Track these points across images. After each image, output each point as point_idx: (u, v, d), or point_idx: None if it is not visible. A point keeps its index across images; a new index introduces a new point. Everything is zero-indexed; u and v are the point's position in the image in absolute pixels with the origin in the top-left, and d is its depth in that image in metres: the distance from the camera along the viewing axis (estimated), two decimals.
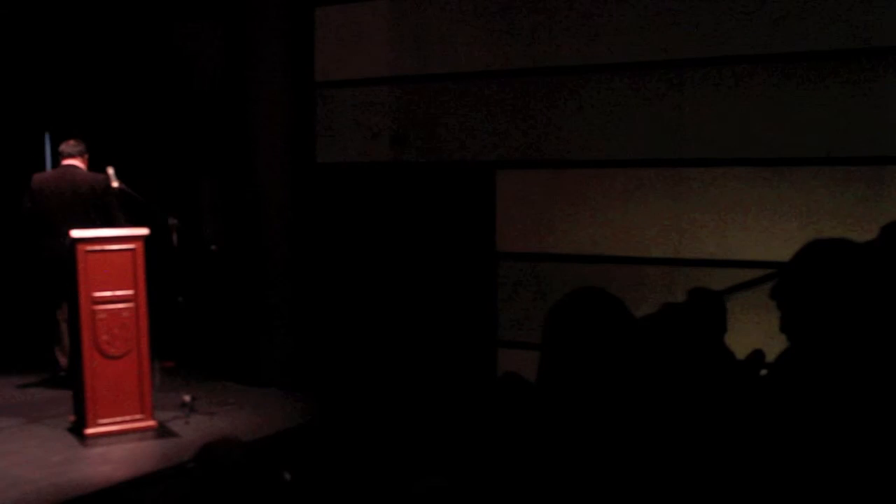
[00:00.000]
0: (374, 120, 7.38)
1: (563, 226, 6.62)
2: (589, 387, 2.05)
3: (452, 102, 7.05)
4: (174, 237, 6.72)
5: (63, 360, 7.26)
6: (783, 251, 3.79)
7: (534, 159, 6.74)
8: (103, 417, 6.06)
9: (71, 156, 7.35)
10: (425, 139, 7.17)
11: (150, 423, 6.20)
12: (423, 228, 7.19)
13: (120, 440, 6.04)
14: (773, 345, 2.72)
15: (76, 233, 6.07)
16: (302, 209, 7.72)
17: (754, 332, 4.24)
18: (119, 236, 6.20)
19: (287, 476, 4.87)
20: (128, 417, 6.12)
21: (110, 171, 6.77)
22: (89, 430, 6.03)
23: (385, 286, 7.34)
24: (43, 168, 7.81)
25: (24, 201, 7.29)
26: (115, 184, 6.73)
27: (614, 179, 6.45)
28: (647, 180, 6.35)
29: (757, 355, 3.88)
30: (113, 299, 6.12)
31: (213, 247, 8.33)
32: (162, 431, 6.23)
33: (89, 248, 6.06)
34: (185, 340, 7.77)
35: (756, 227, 5.99)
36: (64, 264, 6.31)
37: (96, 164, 7.15)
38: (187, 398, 6.60)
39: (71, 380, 6.49)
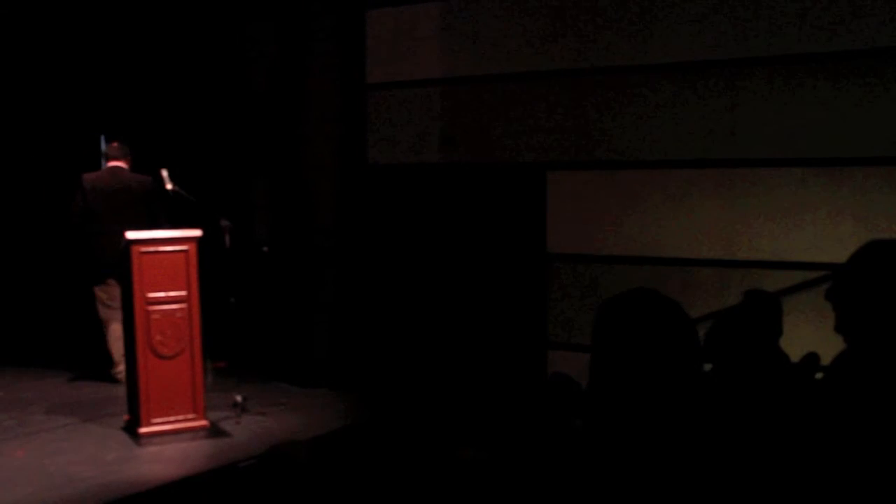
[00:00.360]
0: (425, 121, 7.40)
1: (614, 227, 6.58)
2: (641, 390, 2.03)
3: (503, 103, 7.04)
4: (226, 238, 6.78)
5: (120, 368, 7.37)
6: (838, 252, 3.72)
7: (585, 160, 6.70)
8: (157, 417, 6.12)
9: (117, 158, 7.60)
10: (476, 140, 7.17)
11: (203, 422, 6.25)
12: (473, 229, 7.19)
13: (173, 439, 6.10)
14: (828, 348, 2.67)
15: (131, 234, 6.14)
16: (353, 210, 7.76)
17: (809, 335, 4.17)
18: (173, 237, 6.25)
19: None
20: (180, 417, 6.18)
21: (164, 173, 6.85)
22: (143, 430, 6.10)
23: (435, 287, 7.35)
24: (98, 169, 7.95)
25: (75, 199, 7.44)
26: (168, 186, 6.81)
27: (666, 180, 6.39)
28: (699, 181, 6.28)
29: (811, 358, 3.83)
30: (166, 300, 6.18)
31: (264, 248, 8.39)
32: (214, 431, 6.28)
33: (143, 249, 6.13)
34: (238, 341, 7.84)
35: (811, 228, 5.90)
36: (115, 263, 6.41)
37: (150, 166, 7.25)
38: (239, 398, 6.65)
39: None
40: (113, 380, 7.47)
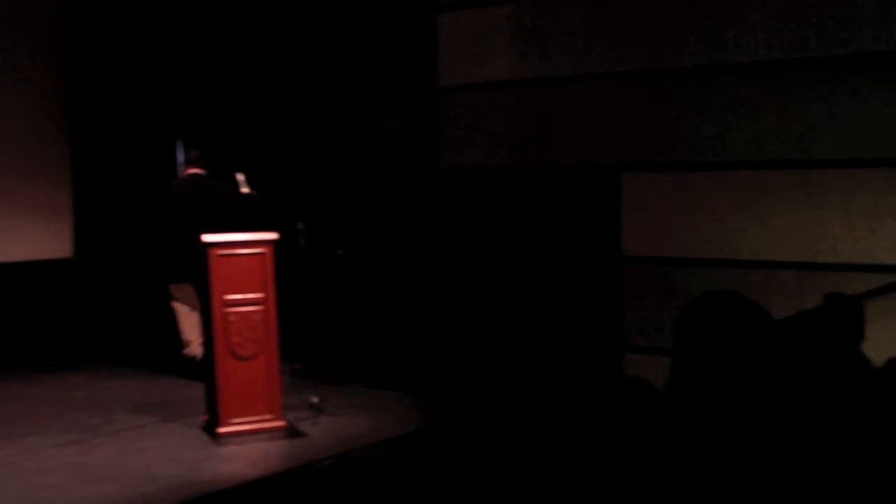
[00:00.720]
0: (498, 124, 7.39)
1: (690, 229, 6.50)
2: (723, 394, 2.01)
3: (576, 105, 7.00)
4: (302, 241, 6.87)
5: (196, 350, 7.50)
6: None
7: (660, 162, 6.64)
8: (235, 417, 6.21)
9: (197, 165, 7.83)
10: (549, 143, 7.14)
11: (280, 423, 6.32)
12: (547, 232, 7.16)
13: (251, 439, 6.19)
14: None
15: (208, 237, 6.26)
16: (425, 213, 7.79)
17: (891, 340, 4.09)
18: (249, 240, 6.34)
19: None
20: (258, 417, 6.26)
21: (240, 177, 6.97)
22: (221, 429, 6.20)
23: (508, 290, 7.33)
24: (174, 173, 8.14)
25: (169, 203, 7.71)
26: (244, 190, 6.93)
27: (744, 182, 6.29)
28: (777, 182, 6.18)
29: (894, 364, 3.74)
30: (244, 302, 6.28)
31: (339, 251, 8.48)
32: (291, 432, 6.36)
33: (221, 251, 6.24)
34: (314, 342, 7.93)
35: (893, 230, 5.76)
36: (195, 266, 6.55)
37: (227, 170, 7.38)
38: (315, 399, 6.73)
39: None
40: (189, 375, 7.56)
